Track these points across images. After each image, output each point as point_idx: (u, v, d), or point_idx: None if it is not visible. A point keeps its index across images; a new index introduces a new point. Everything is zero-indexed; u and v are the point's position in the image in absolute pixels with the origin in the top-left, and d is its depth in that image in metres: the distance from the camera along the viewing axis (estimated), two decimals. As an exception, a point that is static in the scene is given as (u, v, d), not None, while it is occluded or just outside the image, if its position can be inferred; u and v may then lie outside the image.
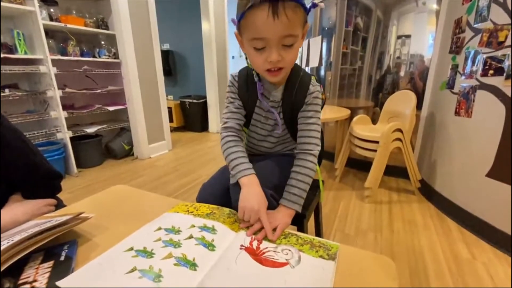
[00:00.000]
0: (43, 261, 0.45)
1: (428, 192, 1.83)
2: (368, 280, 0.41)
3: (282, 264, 0.43)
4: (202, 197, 0.70)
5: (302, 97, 0.67)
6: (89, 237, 0.52)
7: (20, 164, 0.67)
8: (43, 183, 0.73)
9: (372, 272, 0.42)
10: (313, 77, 0.74)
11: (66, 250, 0.48)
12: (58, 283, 0.39)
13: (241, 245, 0.48)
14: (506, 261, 1.22)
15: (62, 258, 0.46)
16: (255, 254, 0.45)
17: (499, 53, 1.27)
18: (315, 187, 0.81)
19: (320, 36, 2.55)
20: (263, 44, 0.56)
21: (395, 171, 2.08)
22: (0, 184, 0.64)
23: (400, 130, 1.72)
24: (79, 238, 0.52)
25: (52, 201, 0.69)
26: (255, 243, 0.49)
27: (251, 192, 0.59)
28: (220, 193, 0.69)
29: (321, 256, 0.45)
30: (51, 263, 0.45)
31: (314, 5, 0.58)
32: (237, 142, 0.70)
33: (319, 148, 0.68)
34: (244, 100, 0.73)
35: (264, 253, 0.46)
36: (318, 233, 0.88)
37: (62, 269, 0.43)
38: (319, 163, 0.84)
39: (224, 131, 0.71)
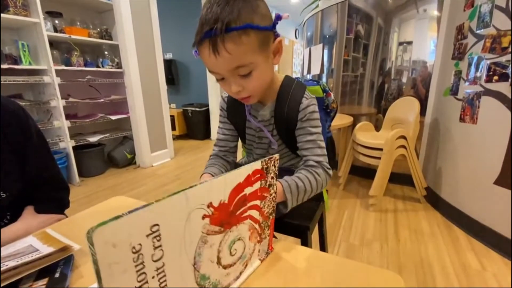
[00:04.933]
0: (37, 278, 0.44)
1: (434, 200, 1.79)
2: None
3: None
4: None
5: (294, 112, 0.62)
6: (85, 252, 0.51)
7: (40, 160, 0.70)
8: (55, 190, 0.75)
9: (380, 290, 0.40)
10: (317, 88, 0.71)
11: (62, 266, 0.47)
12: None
13: None
14: (518, 272, 1.18)
15: (57, 275, 0.45)
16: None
17: (503, 59, 1.26)
18: (319, 197, 0.79)
19: (321, 44, 2.56)
20: (220, 76, 0.54)
21: (400, 178, 2.05)
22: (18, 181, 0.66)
23: (404, 137, 1.70)
24: (75, 252, 0.50)
25: (62, 217, 0.72)
26: None
27: None
28: None
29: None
30: (45, 280, 0.44)
31: (279, 17, 0.52)
32: (214, 159, 0.71)
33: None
34: (234, 122, 0.72)
35: None
36: (323, 245, 0.86)
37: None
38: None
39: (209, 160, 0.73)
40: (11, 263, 0.42)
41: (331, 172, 0.61)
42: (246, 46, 0.49)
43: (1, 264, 0.42)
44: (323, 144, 0.63)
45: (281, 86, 0.64)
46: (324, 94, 0.75)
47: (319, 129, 0.63)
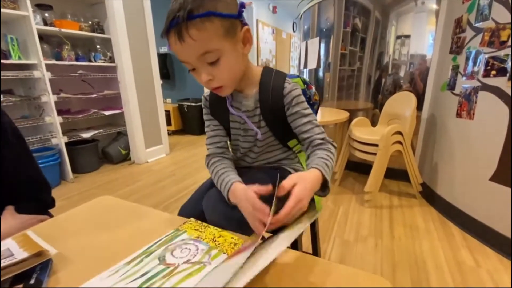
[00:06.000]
0: (12, 284, 0.42)
1: (430, 196, 1.78)
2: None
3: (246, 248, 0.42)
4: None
5: (279, 98, 0.63)
6: (65, 257, 0.49)
7: (17, 160, 0.68)
8: (35, 191, 0.72)
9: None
10: (297, 79, 0.71)
11: (38, 272, 0.45)
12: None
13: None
14: (512, 269, 1.17)
15: (32, 281, 0.43)
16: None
17: (501, 53, 1.23)
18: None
19: (318, 38, 2.52)
20: (191, 65, 0.54)
21: (396, 174, 2.04)
22: None
23: (400, 133, 1.68)
24: (54, 257, 0.48)
25: (45, 217, 0.69)
26: None
27: (240, 202, 0.54)
28: (198, 213, 0.63)
29: None
30: (19, 286, 0.42)
31: (242, 5, 0.54)
32: (221, 161, 0.67)
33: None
34: (218, 117, 0.70)
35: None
36: (315, 245, 0.84)
37: (30, 295, 0.40)
38: None
39: (206, 160, 0.70)
40: None
41: (336, 145, 0.63)
42: (210, 32, 0.50)
43: None
44: (318, 123, 0.63)
45: (262, 76, 0.65)
46: (306, 86, 0.76)
47: (310, 110, 0.64)
